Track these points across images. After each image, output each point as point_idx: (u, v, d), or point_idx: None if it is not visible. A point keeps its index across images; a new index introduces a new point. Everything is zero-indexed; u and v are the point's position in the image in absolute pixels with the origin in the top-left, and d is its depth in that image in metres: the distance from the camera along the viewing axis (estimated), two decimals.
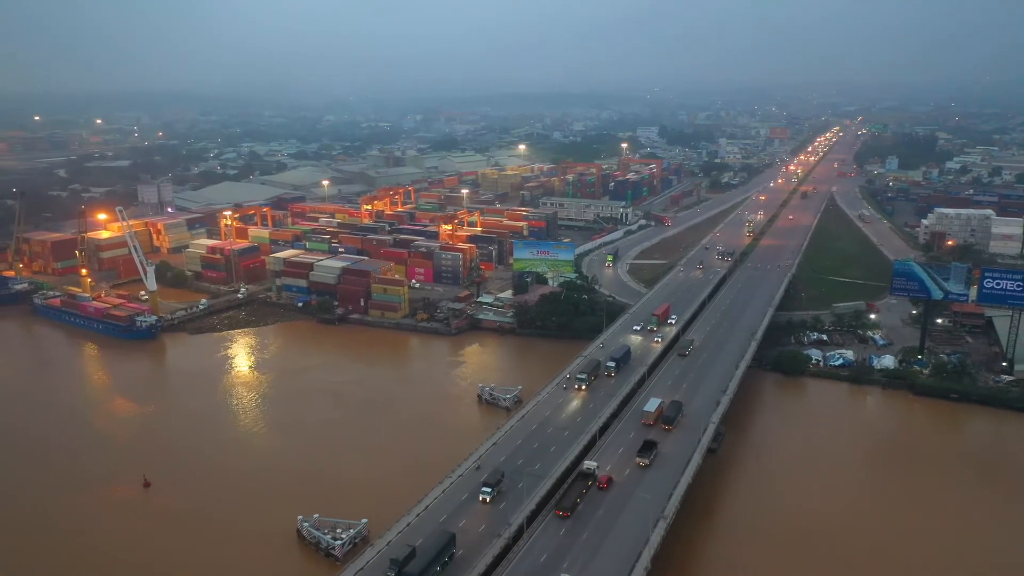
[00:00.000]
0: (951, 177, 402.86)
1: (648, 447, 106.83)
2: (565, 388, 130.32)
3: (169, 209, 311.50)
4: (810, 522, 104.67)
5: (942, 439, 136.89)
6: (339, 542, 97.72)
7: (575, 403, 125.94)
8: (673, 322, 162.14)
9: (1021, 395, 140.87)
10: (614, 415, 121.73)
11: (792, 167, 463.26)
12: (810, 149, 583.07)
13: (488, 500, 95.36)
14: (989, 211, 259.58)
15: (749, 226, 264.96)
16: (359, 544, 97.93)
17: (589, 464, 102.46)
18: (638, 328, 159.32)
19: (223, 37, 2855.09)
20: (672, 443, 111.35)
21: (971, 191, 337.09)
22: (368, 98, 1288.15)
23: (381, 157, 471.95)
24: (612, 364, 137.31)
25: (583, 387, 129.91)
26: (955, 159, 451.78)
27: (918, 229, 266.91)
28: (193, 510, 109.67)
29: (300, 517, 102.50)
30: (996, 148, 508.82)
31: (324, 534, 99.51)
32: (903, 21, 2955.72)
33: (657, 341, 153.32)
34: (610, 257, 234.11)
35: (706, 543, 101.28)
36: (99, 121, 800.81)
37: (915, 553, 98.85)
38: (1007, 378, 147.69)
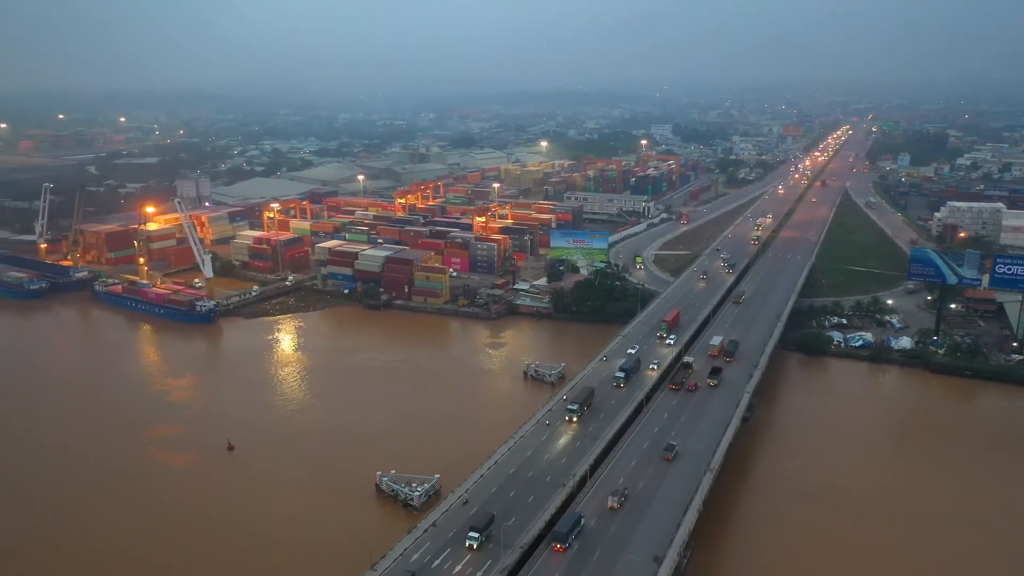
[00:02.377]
0: (962, 173, 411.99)
1: (716, 372, 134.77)
2: (548, 424, 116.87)
3: (207, 204, 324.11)
4: (834, 482, 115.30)
5: (956, 411, 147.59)
6: (417, 493, 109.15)
7: (564, 439, 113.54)
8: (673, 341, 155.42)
9: None
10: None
11: (808, 163, 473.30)
12: (822, 146, 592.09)
13: (476, 547, 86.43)
14: (1000, 204, 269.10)
15: (757, 231, 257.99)
16: (433, 497, 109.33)
17: (688, 359, 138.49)
18: (631, 351, 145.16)
19: (230, 37, 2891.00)
20: (731, 370, 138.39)
21: (982, 186, 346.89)
22: (380, 96, 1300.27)
23: (405, 154, 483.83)
24: (621, 375, 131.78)
25: (574, 419, 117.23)
26: (965, 156, 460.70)
27: (931, 222, 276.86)
28: (277, 470, 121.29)
29: (379, 473, 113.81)
30: (1006, 145, 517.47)
31: (402, 487, 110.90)
32: (911, 20, 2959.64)
33: (669, 344, 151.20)
34: (639, 259, 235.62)
35: (744, 496, 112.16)
36: (122, 119, 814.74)
37: (930, 509, 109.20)
38: (1017, 357, 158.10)
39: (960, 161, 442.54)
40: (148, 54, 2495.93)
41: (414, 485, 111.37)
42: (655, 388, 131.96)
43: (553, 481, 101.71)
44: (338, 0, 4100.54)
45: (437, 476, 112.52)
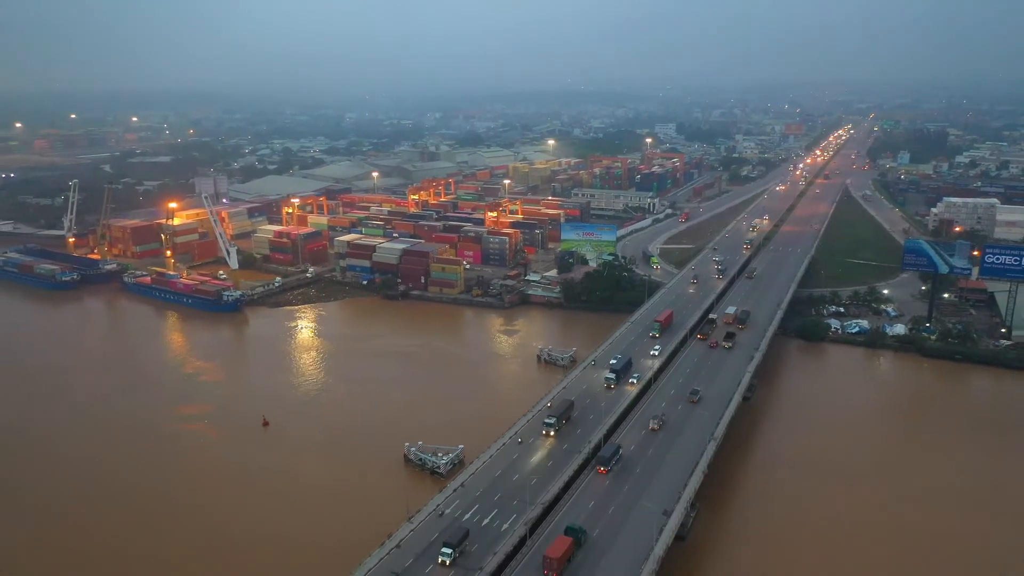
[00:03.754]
0: (960, 170, 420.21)
1: (730, 336, 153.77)
2: (520, 442, 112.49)
3: (224, 200, 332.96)
4: (829, 454, 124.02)
5: (946, 392, 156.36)
6: (443, 461, 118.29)
7: (542, 452, 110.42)
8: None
9: (1017, 356, 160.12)
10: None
11: (809, 161, 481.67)
12: (823, 145, 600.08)
13: (448, 563, 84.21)
14: (994, 200, 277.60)
15: (752, 232, 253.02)
16: (458, 465, 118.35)
17: (712, 315, 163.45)
18: (614, 362, 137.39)
19: (234, 38, 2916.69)
20: (742, 336, 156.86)
21: (979, 183, 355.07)
22: (385, 96, 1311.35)
23: (415, 152, 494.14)
24: (612, 376, 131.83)
25: (551, 432, 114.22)
26: (964, 154, 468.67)
27: (927, 217, 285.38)
28: (310, 443, 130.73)
29: (407, 444, 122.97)
30: (1005, 144, 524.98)
31: (429, 456, 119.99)
32: (915, 20, 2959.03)
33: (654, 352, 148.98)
34: (654, 259, 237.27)
35: (746, 466, 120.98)
36: (134, 119, 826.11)
37: (914, 478, 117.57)
38: (1005, 342, 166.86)
39: (959, 159, 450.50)
40: (151, 55, 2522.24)
41: (440, 455, 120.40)
42: (647, 388, 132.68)
43: (571, 448, 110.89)
44: (341, 2, 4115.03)
45: (461, 447, 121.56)
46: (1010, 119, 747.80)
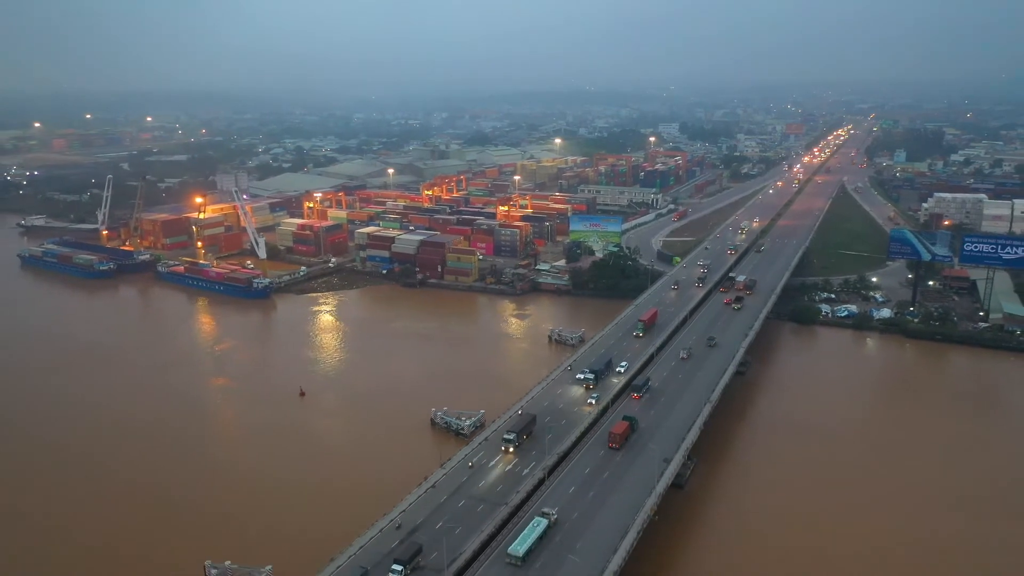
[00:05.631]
0: (954, 168, 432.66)
1: (739, 299, 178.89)
2: (470, 466, 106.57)
3: (245, 196, 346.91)
4: (815, 420, 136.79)
5: (928, 369, 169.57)
6: (467, 423, 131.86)
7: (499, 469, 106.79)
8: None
9: (993, 337, 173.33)
10: None
11: (807, 159, 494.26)
12: (822, 144, 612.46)
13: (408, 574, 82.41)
14: (982, 195, 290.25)
15: (741, 235, 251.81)
16: (479, 427, 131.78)
17: (733, 275, 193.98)
18: (580, 376, 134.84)
19: (237, 40, 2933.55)
20: (749, 300, 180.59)
21: (972, 180, 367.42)
22: (392, 97, 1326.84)
23: (426, 150, 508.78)
24: (591, 376, 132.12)
25: (511, 449, 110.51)
26: (960, 152, 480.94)
27: (919, 212, 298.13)
28: (344, 409, 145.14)
29: (433, 409, 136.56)
30: (1001, 143, 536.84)
31: (454, 420, 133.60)
32: (919, 21, 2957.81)
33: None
34: (676, 259, 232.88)
35: (740, 429, 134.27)
36: (149, 119, 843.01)
37: (893, 441, 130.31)
38: (983, 324, 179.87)
39: (954, 157, 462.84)
40: (157, 58, 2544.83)
41: (463, 418, 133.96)
42: (620, 393, 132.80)
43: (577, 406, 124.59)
44: (345, 5, 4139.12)
45: (482, 411, 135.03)
46: (1009, 119, 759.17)
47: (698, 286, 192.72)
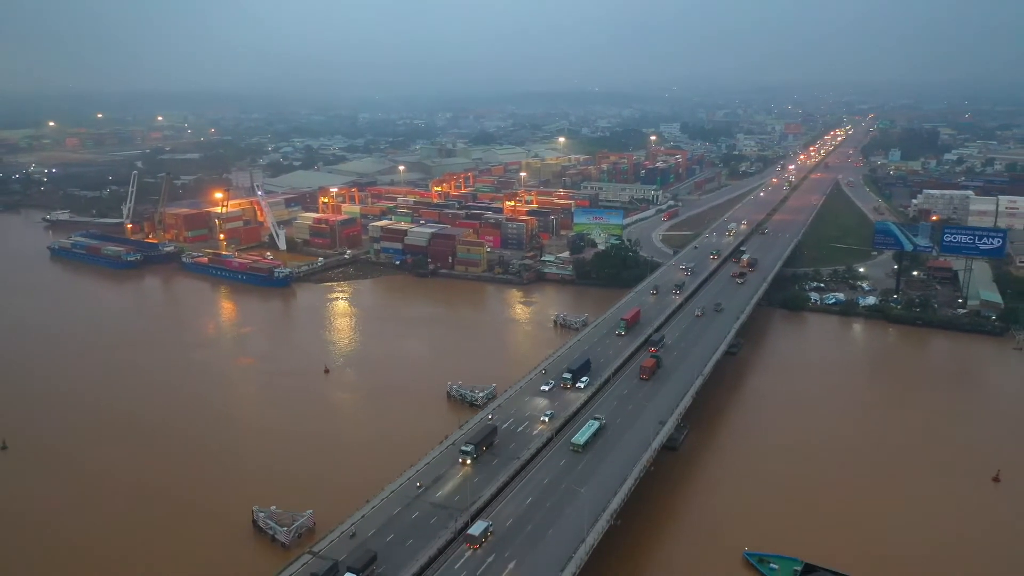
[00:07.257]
0: (947, 167, 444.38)
1: (742, 275, 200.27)
2: (420, 486, 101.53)
3: (259, 192, 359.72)
4: (801, 394, 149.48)
5: (909, 351, 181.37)
6: (480, 395, 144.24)
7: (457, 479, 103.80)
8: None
9: (970, 322, 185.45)
10: None
11: (803, 158, 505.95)
12: (819, 143, 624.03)
13: None
14: (969, 192, 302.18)
15: (729, 236, 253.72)
16: (491, 398, 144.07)
17: (742, 249, 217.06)
18: (546, 387, 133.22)
19: (245, 43, 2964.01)
20: (751, 277, 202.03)
21: (962, 178, 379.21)
22: (397, 97, 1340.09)
23: (433, 149, 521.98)
24: (568, 376, 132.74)
25: (467, 461, 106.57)
26: (953, 151, 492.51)
27: (909, 208, 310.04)
28: (366, 383, 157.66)
29: (449, 382, 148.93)
30: (995, 142, 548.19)
31: (468, 392, 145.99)
32: (922, 25, 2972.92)
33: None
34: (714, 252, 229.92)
35: (732, 402, 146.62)
36: (159, 118, 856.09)
37: (869, 412, 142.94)
38: (961, 311, 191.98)
39: (947, 156, 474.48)
40: (163, 58, 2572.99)
41: (476, 390, 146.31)
42: (604, 386, 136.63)
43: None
44: (347, 7, 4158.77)
45: (494, 385, 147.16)
46: (1006, 119, 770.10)
47: (675, 293, 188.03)
